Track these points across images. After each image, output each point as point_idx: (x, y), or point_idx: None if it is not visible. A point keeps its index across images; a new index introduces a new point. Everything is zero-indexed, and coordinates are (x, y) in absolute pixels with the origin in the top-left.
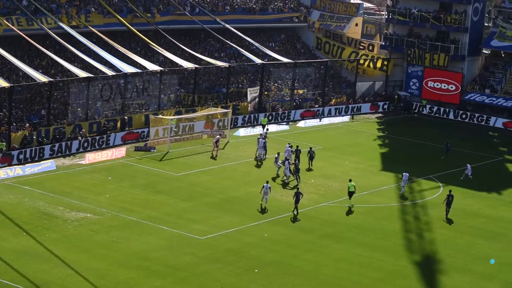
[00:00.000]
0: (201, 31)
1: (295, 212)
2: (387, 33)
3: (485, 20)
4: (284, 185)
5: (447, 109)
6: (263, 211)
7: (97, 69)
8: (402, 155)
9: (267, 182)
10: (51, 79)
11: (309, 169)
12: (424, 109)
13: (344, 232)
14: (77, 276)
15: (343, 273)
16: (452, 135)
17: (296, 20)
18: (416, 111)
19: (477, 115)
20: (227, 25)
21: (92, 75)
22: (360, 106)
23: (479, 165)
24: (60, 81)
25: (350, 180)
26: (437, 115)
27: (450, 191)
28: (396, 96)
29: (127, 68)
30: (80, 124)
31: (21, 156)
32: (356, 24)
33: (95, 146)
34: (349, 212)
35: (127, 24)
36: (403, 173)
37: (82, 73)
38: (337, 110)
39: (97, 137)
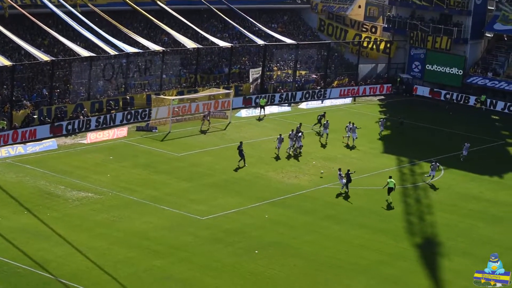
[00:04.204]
0: (203, 12)
1: (346, 190)
2: (390, 15)
3: (488, 3)
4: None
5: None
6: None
7: (99, 48)
8: (403, 138)
9: (280, 135)
10: (53, 58)
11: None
12: (484, 106)
13: (345, 214)
14: (78, 255)
15: (344, 255)
16: (454, 118)
17: (299, 2)
18: (476, 106)
19: None
20: (230, 5)
21: (94, 55)
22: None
23: (481, 148)
24: (62, 60)
25: (390, 177)
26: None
27: None
28: (398, 79)
29: (130, 48)
30: (82, 103)
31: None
32: (359, 6)
33: (97, 125)
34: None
35: (130, 2)
36: (465, 144)
37: (84, 52)
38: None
39: (99, 117)
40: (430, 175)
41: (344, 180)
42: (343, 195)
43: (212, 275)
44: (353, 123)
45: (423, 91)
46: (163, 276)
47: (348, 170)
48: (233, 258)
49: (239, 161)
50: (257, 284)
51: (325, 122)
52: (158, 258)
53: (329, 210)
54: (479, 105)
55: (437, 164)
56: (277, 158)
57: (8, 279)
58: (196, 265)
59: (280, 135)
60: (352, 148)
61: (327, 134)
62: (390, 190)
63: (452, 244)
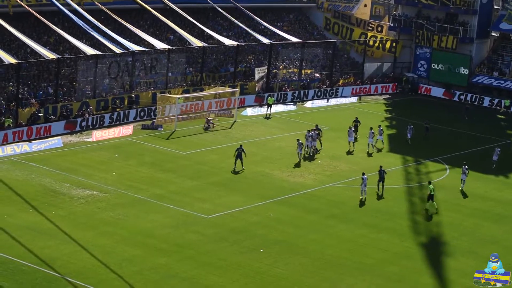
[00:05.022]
0: (209, 10)
1: (381, 190)
2: (395, 14)
3: (494, 2)
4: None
5: None
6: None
7: (105, 46)
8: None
9: (298, 139)
10: (59, 56)
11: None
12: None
13: (350, 213)
14: (84, 253)
15: (348, 254)
16: (459, 118)
17: (305, 0)
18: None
19: None
20: (236, 4)
21: (100, 53)
22: None
23: (486, 147)
24: (68, 58)
25: (430, 183)
26: None
27: None
28: (404, 78)
29: (135, 46)
30: (87, 101)
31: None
32: (365, 5)
33: (102, 123)
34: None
35: None
36: (496, 149)
37: (90, 50)
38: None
39: (105, 115)
40: (461, 180)
41: (366, 187)
42: (364, 199)
43: (217, 274)
44: (377, 126)
45: (433, 91)
46: (168, 274)
47: (381, 167)
48: (238, 256)
49: (236, 163)
50: (262, 283)
51: (348, 128)
52: (163, 256)
53: (334, 209)
54: (503, 110)
55: (466, 167)
56: (298, 164)
57: (13, 276)
58: (201, 264)
59: (298, 140)
60: (380, 150)
61: (353, 143)
62: (430, 197)
63: (457, 243)
